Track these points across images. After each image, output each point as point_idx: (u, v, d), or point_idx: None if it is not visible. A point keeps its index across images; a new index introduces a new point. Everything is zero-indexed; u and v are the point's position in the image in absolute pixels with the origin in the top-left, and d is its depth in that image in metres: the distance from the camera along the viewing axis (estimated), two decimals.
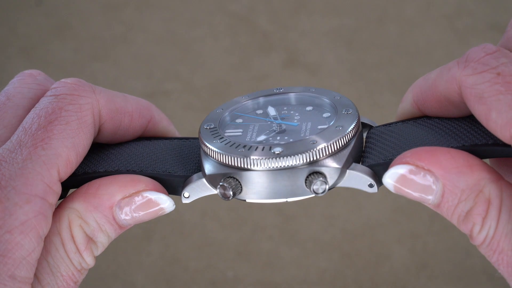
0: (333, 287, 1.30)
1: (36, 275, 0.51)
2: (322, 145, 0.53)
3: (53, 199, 0.50)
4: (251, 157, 0.52)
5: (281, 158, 0.52)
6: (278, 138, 0.55)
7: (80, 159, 0.52)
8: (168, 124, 0.58)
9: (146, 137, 0.57)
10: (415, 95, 0.55)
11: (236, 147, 0.53)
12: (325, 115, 0.57)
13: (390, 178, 0.51)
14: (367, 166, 0.54)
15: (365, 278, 1.29)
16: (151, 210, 0.53)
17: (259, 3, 1.60)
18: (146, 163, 0.55)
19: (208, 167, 0.54)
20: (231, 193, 0.53)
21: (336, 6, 1.59)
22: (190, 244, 1.32)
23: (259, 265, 1.30)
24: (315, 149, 0.52)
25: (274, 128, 0.56)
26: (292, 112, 0.58)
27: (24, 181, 0.49)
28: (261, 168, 0.52)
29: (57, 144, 0.51)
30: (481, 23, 1.54)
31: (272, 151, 0.52)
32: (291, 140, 0.54)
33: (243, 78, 1.50)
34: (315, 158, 0.53)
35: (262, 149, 0.53)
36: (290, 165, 0.52)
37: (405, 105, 0.56)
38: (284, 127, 0.56)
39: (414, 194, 0.51)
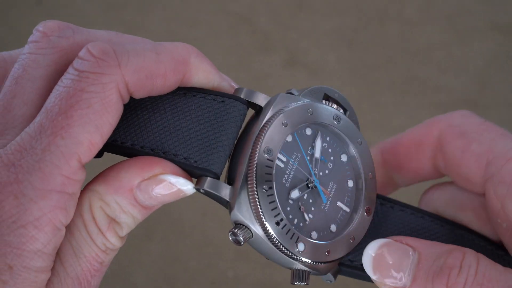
0: (333, 286, 1.30)
1: (59, 257, 0.51)
2: (331, 259, 0.55)
3: (74, 188, 0.50)
4: (278, 237, 0.53)
5: (297, 255, 0.54)
6: (305, 198, 0.56)
7: (106, 137, 0.51)
8: (205, 76, 0.57)
9: (183, 89, 0.56)
10: (382, 146, 0.57)
11: (277, 218, 0.54)
12: (350, 183, 0.58)
13: (371, 249, 0.55)
14: (332, 261, 0.56)
15: None
16: (170, 192, 0.53)
17: (259, 3, 1.60)
18: (170, 143, 0.54)
19: (239, 207, 0.54)
20: (242, 239, 0.54)
21: (336, 6, 1.59)
22: (190, 244, 1.32)
23: (259, 265, 1.30)
24: (324, 261, 0.55)
25: (308, 184, 0.56)
26: (330, 151, 0.57)
27: (41, 176, 0.49)
28: (279, 246, 0.54)
29: (77, 132, 0.50)
30: (481, 23, 1.54)
31: (297, 247, 0.54)
32: (310, 217, 0.56)
33: (243, 78, 1.50)
34: (317, 265, 0.55)
35: (291, 237, 0.54)
36: (297, 262, 0.54)
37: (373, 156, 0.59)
38: (316, 189, 0.56)
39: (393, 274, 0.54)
